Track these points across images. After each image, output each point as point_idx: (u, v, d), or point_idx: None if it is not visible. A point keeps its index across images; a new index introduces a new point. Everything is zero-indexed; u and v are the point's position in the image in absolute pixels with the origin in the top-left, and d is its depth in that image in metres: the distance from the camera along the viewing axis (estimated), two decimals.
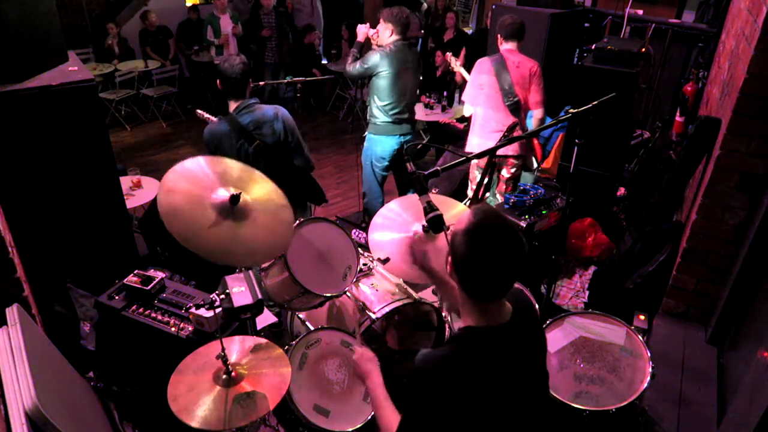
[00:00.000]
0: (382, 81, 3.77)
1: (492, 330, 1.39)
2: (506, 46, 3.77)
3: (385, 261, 2.34)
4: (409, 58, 3.80)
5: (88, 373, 2.55)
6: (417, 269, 2.10)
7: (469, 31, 8.41)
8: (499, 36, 3.79)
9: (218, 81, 2.87)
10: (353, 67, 3.83)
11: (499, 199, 4.06)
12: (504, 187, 4.03)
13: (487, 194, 4.19)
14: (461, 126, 6.18)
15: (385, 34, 3.78)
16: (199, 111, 3.50)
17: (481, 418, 1.37)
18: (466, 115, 4.06)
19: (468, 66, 4.39)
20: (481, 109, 3.85)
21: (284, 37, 7.14)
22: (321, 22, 8.11)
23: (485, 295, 1.39)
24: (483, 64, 3.80)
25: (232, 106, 2.91)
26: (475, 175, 4.03)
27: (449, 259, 1.40)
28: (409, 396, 1.38)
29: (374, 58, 3.73)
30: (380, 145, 3.98)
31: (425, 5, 8.21)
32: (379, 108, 3.87)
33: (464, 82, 7.14)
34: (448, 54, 4.15)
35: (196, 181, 1.90)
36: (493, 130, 3.79)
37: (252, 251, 1.92)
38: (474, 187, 4.00)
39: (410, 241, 2.25)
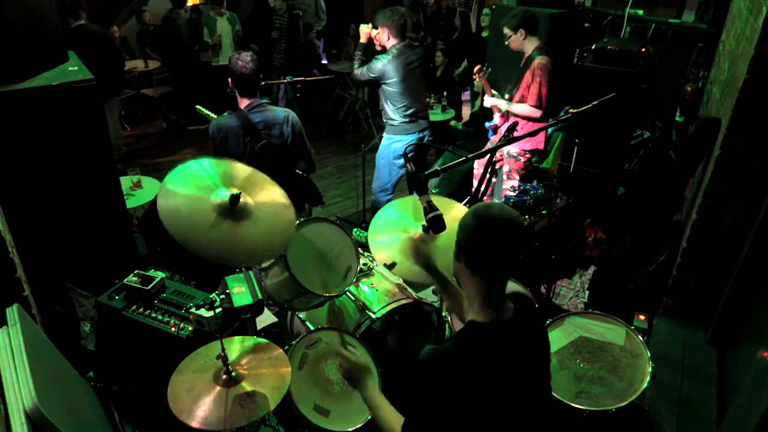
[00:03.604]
0: (392, 87, 3.76)
1: (495, 325, 1.43)
2: (536, 42, 3.77)
3: (391, 266, 2.33)
4: (412, 57, 3.78)
5: (88, 373, 2.55)
6: (419, 270, 2.10)
7: None
8: (522, 32, 3.72)
9: (229, 79, 2.87)
10: (361, 74, 3.81)
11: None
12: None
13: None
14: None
15: (383, 38, 3.76)
16: (199, 107, 3.50)
17: (483, 410, 1.39)
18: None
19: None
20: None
21: (294, 41, 7.12)
22: (325, 20, 8.08)
23: (491, 267, 1.43)
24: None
25: (244, 103, 2.91)
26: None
27: (457, 252, 1.46)
28: (414, 390, 1.41)
29: (379, 67, 3.71)
30: (400, 143, 3.98)
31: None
32: (394, 111, 3.87)
33: (464, 82, 7.14)
34: (482, 69, 4.02)
35: (197, 183, 1.90)
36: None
37: (253, 250, 1.92)
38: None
39: (413, 241, 2.23)
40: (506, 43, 3.85)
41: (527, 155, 4.00)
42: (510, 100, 3.93)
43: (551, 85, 3.74)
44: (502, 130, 3.99)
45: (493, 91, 4.07)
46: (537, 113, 3.78)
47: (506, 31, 3.81)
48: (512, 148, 3.99)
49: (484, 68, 3.92)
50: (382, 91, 3.85)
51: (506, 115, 3.98)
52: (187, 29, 7.05)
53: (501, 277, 1.47)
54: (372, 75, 3.76)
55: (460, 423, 1.36)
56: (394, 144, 4.00)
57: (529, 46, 3.79)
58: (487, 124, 4.22)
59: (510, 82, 4.02)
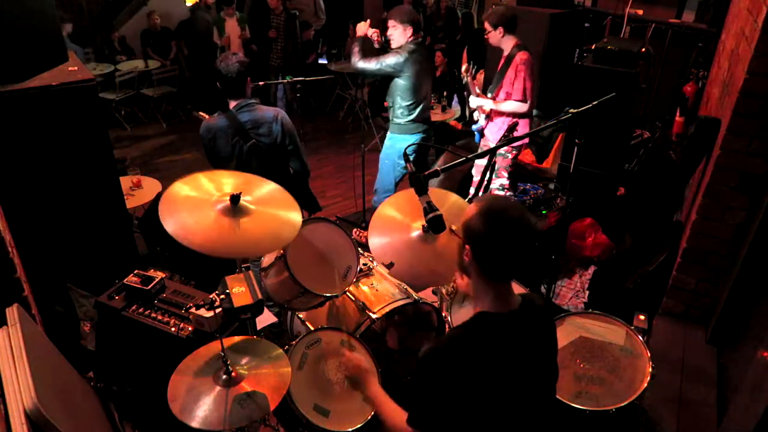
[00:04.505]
0: (406, 82, 3.73)
1: (502, 316, 1.45)
2: (513, 40, 3.77)
3: (389, 266, 2.33)
4: (425, 56, 3.80)
5: (88, 373, 2.55)
6: (418, 271, 2.11)
7: None
8: (501, 29, 3.72)
9: (217, 81, 2.88)
10: (366, 64, 3.72)
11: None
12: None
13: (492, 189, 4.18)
14: (459, 126, 6.20)
15: (405, 34, 3.70)
16: (197, 112, 3.51)
17: (491, 398, 1.41)
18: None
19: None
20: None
21: (292, 41, 7.11)
22: (324, 19, 8.10)
23: (502, 271, 1.44)
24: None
25: (232, 104, 2.93)
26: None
27: (466, 248, 1.45)
28: (420, 380, 1.42)
29: (396, 60, 3.65)
30: (404, 143, 3.94)
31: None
32: (404, 108, 3.85)
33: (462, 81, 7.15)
34: (469, 68, 3.98)
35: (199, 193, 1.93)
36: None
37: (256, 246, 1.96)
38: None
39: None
40: (485, 36, 3.87)
41: (514, 152, 4.01)
42: (493, 98, 3.93)
43: (535, 79, 3.76)
44: (487, 132, 4.02)
45: (478, 91, 4.07)
46: (524, 108, 3.79)
47: (486, 26, 3.82)
48: None
49: (472, 68, 3.92)
50: (393, 86, 3.80)
51: (491, 115, 3.98)
52: (208, 27, 7.19)
53: (512, 278, 1.49)
54: (383, 67, 3.68)
55: (468, 410, 1.37)
56: (399, 144, 3.98)
57: (507, 43, 3.80)
58: (474, 127, 4.21)
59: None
